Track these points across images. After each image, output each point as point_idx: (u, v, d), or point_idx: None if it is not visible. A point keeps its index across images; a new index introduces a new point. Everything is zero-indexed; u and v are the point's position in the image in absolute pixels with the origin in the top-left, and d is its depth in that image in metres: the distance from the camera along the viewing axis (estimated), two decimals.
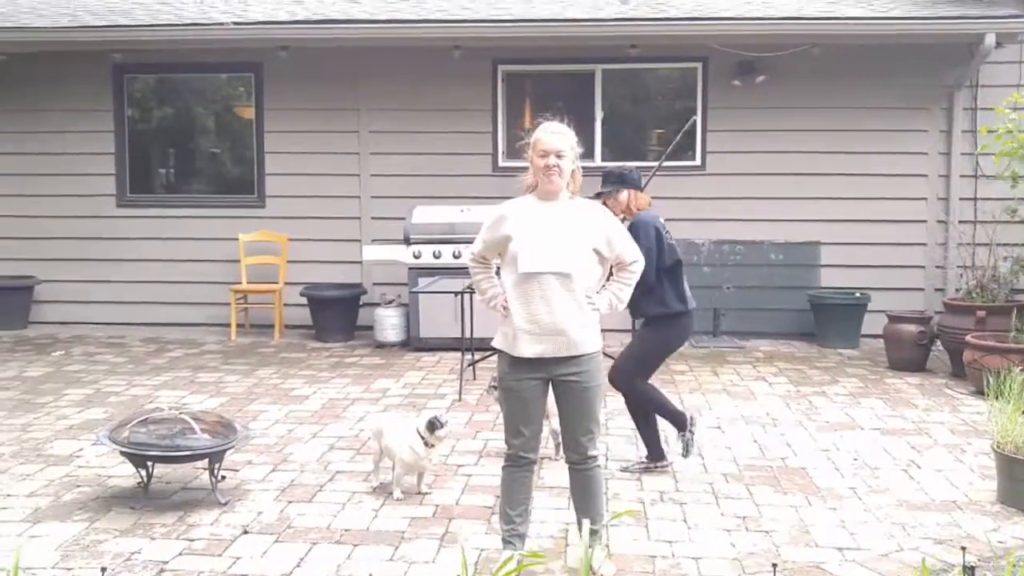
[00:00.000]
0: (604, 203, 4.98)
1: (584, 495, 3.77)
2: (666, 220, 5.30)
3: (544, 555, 3.90)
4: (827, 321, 9.15)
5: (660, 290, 5.00)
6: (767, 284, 9.60)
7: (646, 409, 5.23)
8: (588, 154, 9.66)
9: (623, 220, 5.01)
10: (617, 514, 4.12)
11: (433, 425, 4.66)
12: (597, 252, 3.67)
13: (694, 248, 9.56)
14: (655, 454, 5.22)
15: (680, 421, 5.22)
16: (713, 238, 9.61)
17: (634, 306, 4.89)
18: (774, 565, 2.70)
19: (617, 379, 5.16)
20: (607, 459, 5.33)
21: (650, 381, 5.25)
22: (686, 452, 5.19)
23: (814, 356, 8.67)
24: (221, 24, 9.25)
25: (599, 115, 9.71)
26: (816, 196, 9.56)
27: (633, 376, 5.16)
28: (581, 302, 3.63)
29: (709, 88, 9.66)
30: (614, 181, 5.18)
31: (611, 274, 3.86)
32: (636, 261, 3.80)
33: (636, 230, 4.89)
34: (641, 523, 4.38)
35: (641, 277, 4.20)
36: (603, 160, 9.57)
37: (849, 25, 8.85)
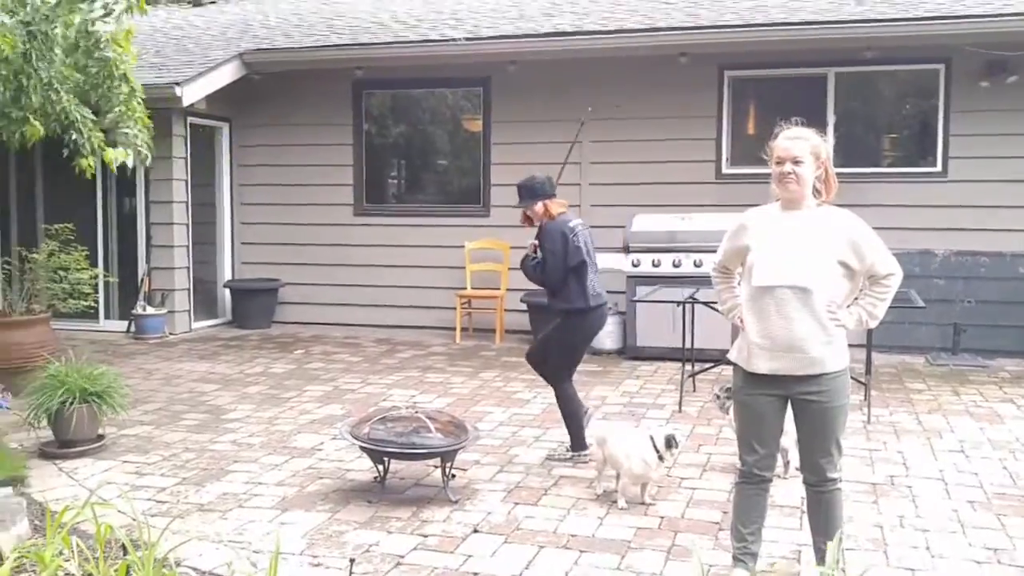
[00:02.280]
0: (525, 215, 5.59)
1: (821, 518, 3.62)
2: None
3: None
4: None
5: (566, 289, 5.46)
6: (1014, 299, 8.89)
7: (569, 417, 5.60)
8: None
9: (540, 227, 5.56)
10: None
11: (670, 443, 4.66)
12: (844, 264, 3.45)
13: (929, 258, 9.00)
14: (578, 444, 5.55)
15: (579, 444, 5.55)
16: (953, 248, 9.01)
17: (549, 299, 5.62)
18: None
19: (548, 375, 5.68)
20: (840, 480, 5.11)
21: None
22: (550, 459, 5.55)
23: None
24: (455, 40, 9.63)
25: (831, 120, 9.34)
26: None
27: (560, 370, 5.61)
28: (822, 318, 3.44)
29: (952, 90, 9.09)
30: (527, 195, 5.55)
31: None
32: (892, 274, 3.51)
33: (543, 235, 5.48)
34: (880, 548, 4.17)
35: (548, 278, 5.41)
36: (835, 166, 9.19)
37: None
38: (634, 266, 8.86)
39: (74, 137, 6.07)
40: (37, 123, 5.75)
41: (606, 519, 4.57)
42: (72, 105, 5.84)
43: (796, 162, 3.50)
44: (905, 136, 9.70)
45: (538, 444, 5.94)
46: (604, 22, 9.71)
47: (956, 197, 9.03)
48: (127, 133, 6.01)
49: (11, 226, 11.21)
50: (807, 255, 3.46)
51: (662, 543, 4.25)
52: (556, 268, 5.42)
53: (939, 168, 9.17)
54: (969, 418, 6.57)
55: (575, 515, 4.63)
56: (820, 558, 3.63)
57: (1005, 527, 4.46)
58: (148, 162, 6.17)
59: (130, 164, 6.06)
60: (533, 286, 5.82)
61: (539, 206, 5.55)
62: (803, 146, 3.53)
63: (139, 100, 6.09)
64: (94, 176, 6.18)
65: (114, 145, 6.01)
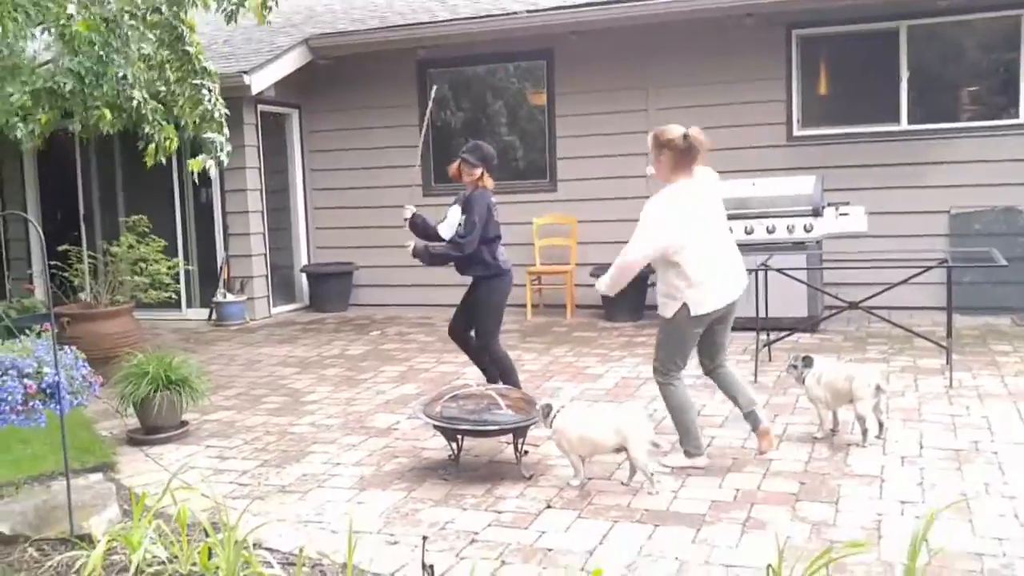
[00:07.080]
0: (459, 168, 5.87)
1: None
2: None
3: (863, 544, 3.69)
4: None
5: (480, 257, 5.91)
6: None
7: (506, 374, 5.99)
8: (893, 117, 9.07)
9: (469, 192, 5.88)
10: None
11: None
12: None
13: (1014, 215, 8.65)
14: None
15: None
16: None
17: (462, 269, 6.01)
18: None
19: (480, 341, 6.03)
20: (921, 447, 5.00)
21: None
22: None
23: None
24: (515, 13, 9.60)
25: (904, 75, 9.05)
26: None
27: (492, 332, 6.01)
28: None
29: None
30: (476, 156, 5.86)
31: None
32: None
33: (470, 203, 5.81)
34: (964, 517, 4.05)
35: (465, 247, 5.81)
36: (909, 123, 8.94)
37: None
38: None
39: (147, 131, 6.29)
40: (107, 112, 6.01)
41: (680, 492, 4.54)
42: (143, 99, 6.06)
43: None
44: (984, 89, 9.34)
45: None
46: None
47: None
48: (209, 139, 6.25)
49: (95, 221, 11.57)
50: None
51: (738, 515, 4.20)
52: (475, 237, 5.81)
53: (1022, 120, 8.82)
54: None
55: (649, 488, 4.61)
56: None
57: None
58: (225, 165, 6.46)
59: (212, 173, 6.34)
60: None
61: (477, 170, 5.79)
62: None
63: (219, 98, 6.30)
64: (170, 168, 6.43)
65: (196, 152, 6.28)
